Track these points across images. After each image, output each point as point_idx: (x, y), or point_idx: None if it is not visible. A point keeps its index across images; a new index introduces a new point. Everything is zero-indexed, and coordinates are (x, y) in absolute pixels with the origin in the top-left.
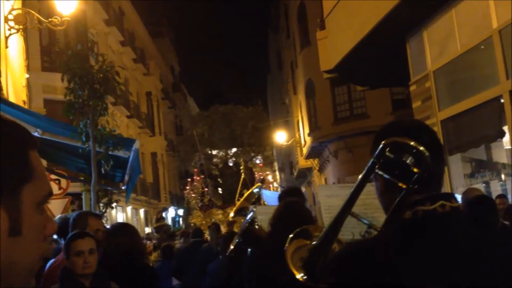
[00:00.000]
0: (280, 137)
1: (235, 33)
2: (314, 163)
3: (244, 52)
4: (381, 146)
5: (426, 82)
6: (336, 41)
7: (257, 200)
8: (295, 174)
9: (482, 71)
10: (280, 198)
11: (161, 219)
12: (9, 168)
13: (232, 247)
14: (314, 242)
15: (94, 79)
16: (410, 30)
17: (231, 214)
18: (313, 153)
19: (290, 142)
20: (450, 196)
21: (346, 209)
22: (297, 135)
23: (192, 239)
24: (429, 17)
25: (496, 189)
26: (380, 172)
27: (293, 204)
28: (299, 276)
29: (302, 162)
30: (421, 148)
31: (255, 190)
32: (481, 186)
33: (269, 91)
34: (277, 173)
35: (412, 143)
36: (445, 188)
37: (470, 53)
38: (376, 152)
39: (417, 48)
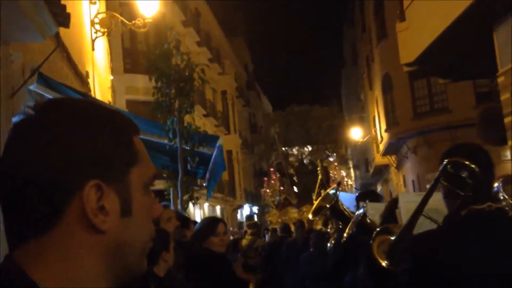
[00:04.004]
0: (355, 133)
1: (309, 29)
2: (391, 160)
3: (317, 47)
4: (444, 163)
5: None
6: (417, 32)
7: (335, 202)
8: (371, 171)
9: None
10: (358, 199)
11: (251, 217)
12: (119, 152)
13: (345, 236)
14: (393, 237)
15: (180, 78)
16: (497, 18)
17: (310, 216)
18: (390, 150)
19: (365, 139)
20: (496, 199)
21: (419, 211)
22: (373, 131)
23: (281, 234)
24: None
25: None
26: (444, 183)
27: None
28: (384, 263)
29: (379, 159)
30: (473, 166)
31: (331, 192)
32: None
33: (343, 86)
34: (352, 170)
35: (466, 162)
36: None
37: None
38: (441, 168)
39: (505, 37)
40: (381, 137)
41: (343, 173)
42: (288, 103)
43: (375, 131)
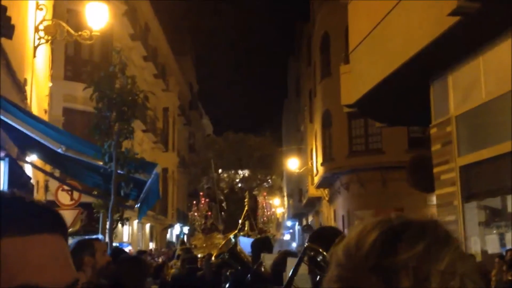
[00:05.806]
0: (292, 164)
1: (257, 58)
2: (324, 193)
3: (263, 76)
4: (304, 247)
5: (448, 127)
6: (359, 76)
7: (233, 247)
8: (304, 202)
9: (505, 121)
10: (252, 246)
11: (184, 243)
12: None
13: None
14: None
15: (123, 102)
16: (435, 73)
17: (213, 258)
18: (324, 183)
19: (302, 170)
20: None
21: (290, 283)
22: (309, 163)
23: (188, 266)
24: (456, 62)
25: (510, 241)
26: (306, 262)
27: (289, 254)
28: None
29: (312, 191)
30: (325, 253)
31: (232, 237)
32: (495, 237)
33: (284, 116)
34: (286, 199)
35: (320, 249)
36: (459, 236)
37: (494, 102)
38: (302, 250)
39: (441, 92)
40: (317, 170)
41: (276, 201)
42: (230, 127)
43: (312, 164)
